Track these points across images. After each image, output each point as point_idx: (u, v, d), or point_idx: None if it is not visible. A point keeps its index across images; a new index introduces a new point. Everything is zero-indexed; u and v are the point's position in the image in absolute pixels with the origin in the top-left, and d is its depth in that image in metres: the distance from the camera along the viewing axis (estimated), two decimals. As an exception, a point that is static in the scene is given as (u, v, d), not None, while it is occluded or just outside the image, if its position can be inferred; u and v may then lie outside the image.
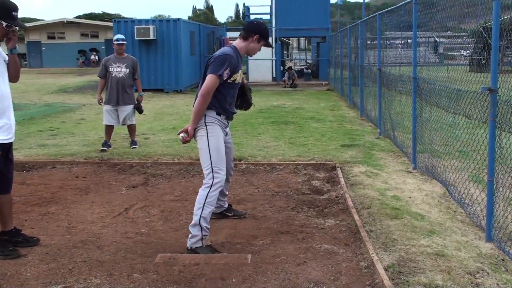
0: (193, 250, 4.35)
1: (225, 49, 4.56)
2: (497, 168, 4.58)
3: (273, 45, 26.10)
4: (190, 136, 4.48)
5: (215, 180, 4.42)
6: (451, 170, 6.15)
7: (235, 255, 4.28)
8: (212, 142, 4.48)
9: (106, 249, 4.49)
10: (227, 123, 4.74)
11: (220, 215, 5.25)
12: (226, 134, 4.79)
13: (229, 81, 4.51)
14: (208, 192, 4.39)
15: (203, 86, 4.41)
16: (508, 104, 4.43)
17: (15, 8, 4.19)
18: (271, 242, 4.61)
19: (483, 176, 5.77)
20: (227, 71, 4.41)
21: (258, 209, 5.64)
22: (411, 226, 4.86)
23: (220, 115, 4.58)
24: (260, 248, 4.48)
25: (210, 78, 4.38)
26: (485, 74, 5.18)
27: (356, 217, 5.12)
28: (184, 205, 5.81)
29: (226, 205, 5.33)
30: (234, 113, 4.83)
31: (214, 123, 4.53)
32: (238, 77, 4.64)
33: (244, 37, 4.64)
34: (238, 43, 4.68)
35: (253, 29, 4.64)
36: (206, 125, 4.50)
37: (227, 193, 5.38)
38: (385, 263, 4.04)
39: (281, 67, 27.23)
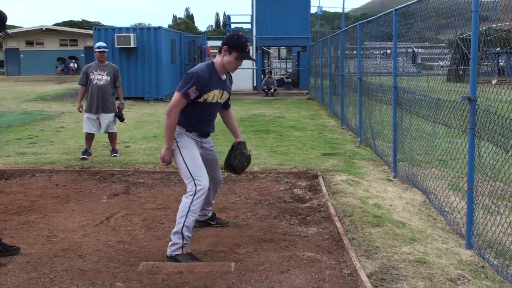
0: (173, 258, 4.32)
1: (198, 66, 4.45)
2: (476, 176, 4.66)
3: (254, 54, 26.17)
4: (169, 156, 4.40)
5: (198, 187, 4.36)
6: (431, 178, 6.23)
7: (219, 263, 4.27)
8: (186, 153, 4.43)
9: (88, 258, 4.44)
10: (200, 139, 4.66)
11: (203, 223, 5.23)
12: (202, 147, 4.69)
13: (199, 100, 4.40)
14: (192, 200, 4.33)
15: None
16: (487, 113, 4.52)
17: (6, 18, 4.39)
18: (254, 250, 4.61)
19: (462, 184, 5.86)
20: (193, 89, 4.28)
21: (241, 217, 5.64)
22: (392, 233, 4.91)
23: (190, 132, 4.54)
24: (244, 256, 4.48)
25: (174, 96, 4.33)
26: (462, 84, 5.27)
27: (338, 225, 5.15)
28: (166, 213, 5.78)
29: (210, 214, 5.30)
30: (211, 131, 4.77)
31: (184, 134, 4.50)
32: (212, 97, 4.47)
33: (219, 50, 4.49)
34: (216, 58, 4.55)
35: (224, 41, 4.47)
36: (175, 139, 4.46)
37: (213, 202, 5.33)
38: (368, 270, 4.07)
39: (262, 76, 27.32)
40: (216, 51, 4.74)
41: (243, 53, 4.41)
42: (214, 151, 4.99)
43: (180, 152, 4.44)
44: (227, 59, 4.43)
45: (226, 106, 4.94)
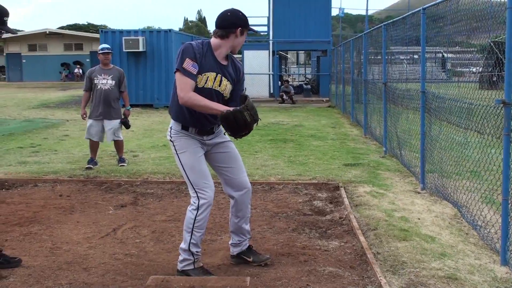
0: (184, 272, 4.33)
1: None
2: (512, 187, 4.63)
3: (271, 58, 26.25)
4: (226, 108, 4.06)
5: (201, 201, 4.21)
6: (463, 190, 6.19)
7: (233, 278, 4.28)
8: (184, 160, 4.26)
9: (94, 271, 4.49)
10: (202, 138, 4.36)
11: (238, 259, 4.68)
12: (206, 145, 4.38)
13: (198, 85, 4.12)
14: (196, 216, 4.21)
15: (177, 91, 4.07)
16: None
17: (7, 14, 4.39)
18: (271, 264, 4.62)
19: (496, 196, 5.82)
20: (188, 61, 4.03)
21: (257, 230, 5.66)
22: (421, 248, 4.89)
23: (187, 130, 4.29)
24: (260, 270, 4.49)
25: (175, 78, 4.10)
26: (496, 92, 5.25)
27: (362, 238, 5.14)
28: (177, 225, 5.81)
29: (246, 246, 4.71)
30: (214, 127, 4.38)
31: (180, 134, 4.29)
32: (205, 80, 4.16)
33: (223, 36, 4.19)
34: (214, 41, 4.25)
35: (232, 24, 4.17)
36: (172, 142, 4.31)
37: (248, 226, 4.66)
38: (394, 286, 4.06)
39: (279, 83, 27.38)
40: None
41: (250, 28, 4.35)
42: (230, 145, 4.53)
43: (179, 157, 4.28)
44: (239, 40, 4.24)
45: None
